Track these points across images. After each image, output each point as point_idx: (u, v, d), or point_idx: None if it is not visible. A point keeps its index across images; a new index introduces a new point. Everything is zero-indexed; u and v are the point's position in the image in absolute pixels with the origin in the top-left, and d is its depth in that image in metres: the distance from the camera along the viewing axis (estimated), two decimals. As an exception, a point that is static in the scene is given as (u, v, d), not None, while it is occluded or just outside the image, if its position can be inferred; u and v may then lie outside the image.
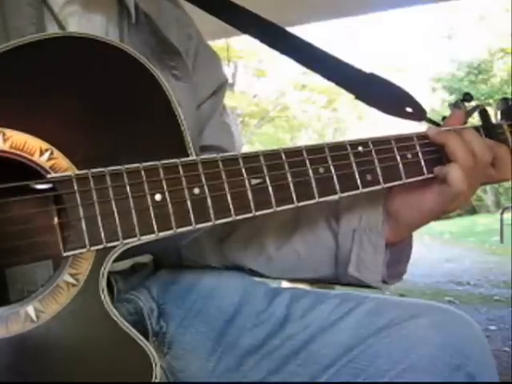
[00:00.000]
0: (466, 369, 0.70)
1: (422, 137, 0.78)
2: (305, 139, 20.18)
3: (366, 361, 0.73)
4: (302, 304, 0.82)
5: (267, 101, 17.40)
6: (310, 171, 0.69)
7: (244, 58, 14.72)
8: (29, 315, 0.54)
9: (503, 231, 9.19)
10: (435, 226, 11.07)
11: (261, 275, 0.91)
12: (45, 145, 0.57)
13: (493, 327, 3.79)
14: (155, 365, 0.57)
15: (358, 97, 0.88)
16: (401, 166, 0.75)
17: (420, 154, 0.77)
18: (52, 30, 0.75)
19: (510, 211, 10.70)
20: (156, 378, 0.56)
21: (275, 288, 0.88)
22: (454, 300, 4.86)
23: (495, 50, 17.75)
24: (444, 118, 0.86)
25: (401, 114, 0.87)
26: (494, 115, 0.90)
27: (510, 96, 0.91)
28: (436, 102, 18.33)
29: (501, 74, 17.59)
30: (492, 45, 17.86)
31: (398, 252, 0.84)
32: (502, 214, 9.83)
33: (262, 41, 0.90)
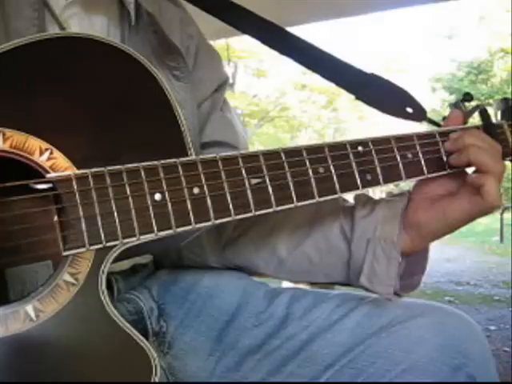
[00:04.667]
0: (465, 369, 0.70)
1: (422, 136, 0.78)
2: (305, 139, 20.18)
3: (366, 361, 0.73)
4: (301, 304, 0.82)
5: (267, 101, 17.41)
6: (310, 171, 0.68)
7: (244, 58, 14.72)
8: (28, 314, 0.54)
9: (503, 231, 9.20)
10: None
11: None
12: (44, 144, 0.57)
13: (493, 327, 3.79)
14: (155, 365, 0.57)
15: (358, 97, 0.87)
16: (401, 165, 0.75)
17: (420, 154, 0.77)
18: (53, 31, 0.74)
19: (510, 211, 10.69)
20: (156, 378, 0.56)
21: (275, 288, 0.88)
22: (454, 300, 4.86)
23: (495, 50, 17.74)
24: (444, 118, 0.85)
25: (401, 114, 0.86)
26: (494, 115, 0.89)
27: (510, 96, 0.90)
28: (436, 102, 18.33)
29: (501, 74, 17.59)
30: (492, 45, 17.85)
31: (414, 263, 0.81)
32: (501, 214, 9.83)
33: (262, 41, 0.89)
